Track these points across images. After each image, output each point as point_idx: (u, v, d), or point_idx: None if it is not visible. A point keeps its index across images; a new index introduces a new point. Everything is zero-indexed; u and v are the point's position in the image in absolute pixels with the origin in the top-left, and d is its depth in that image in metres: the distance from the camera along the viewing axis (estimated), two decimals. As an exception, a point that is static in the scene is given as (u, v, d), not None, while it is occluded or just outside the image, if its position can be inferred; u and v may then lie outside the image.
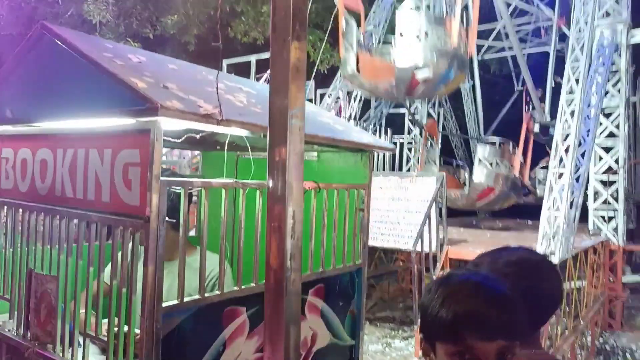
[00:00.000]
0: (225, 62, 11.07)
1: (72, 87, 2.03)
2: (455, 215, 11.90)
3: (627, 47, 8.88)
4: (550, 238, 5.57)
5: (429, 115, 11.96)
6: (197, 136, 2.01)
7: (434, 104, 12.14)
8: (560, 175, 5.96)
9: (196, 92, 1.98)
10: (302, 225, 1.51)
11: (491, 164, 8.29)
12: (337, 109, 15.06)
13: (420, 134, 11.74)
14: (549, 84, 9.38)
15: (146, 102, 1.64)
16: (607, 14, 9.07)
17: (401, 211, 6.73)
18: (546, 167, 10.33)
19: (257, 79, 11.24)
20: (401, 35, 6.35)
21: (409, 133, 12.05)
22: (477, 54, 13.70)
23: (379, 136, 12.26)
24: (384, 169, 10.71)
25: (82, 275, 2.08)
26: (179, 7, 19.82)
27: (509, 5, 11.98)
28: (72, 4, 19.35)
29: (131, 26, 19.15)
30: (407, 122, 12.02)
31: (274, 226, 1.45)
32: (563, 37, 10.51)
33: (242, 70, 11.32)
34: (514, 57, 12.69)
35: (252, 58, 10.06)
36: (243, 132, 2.00)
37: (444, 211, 6.66)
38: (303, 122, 1.44)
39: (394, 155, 12.76)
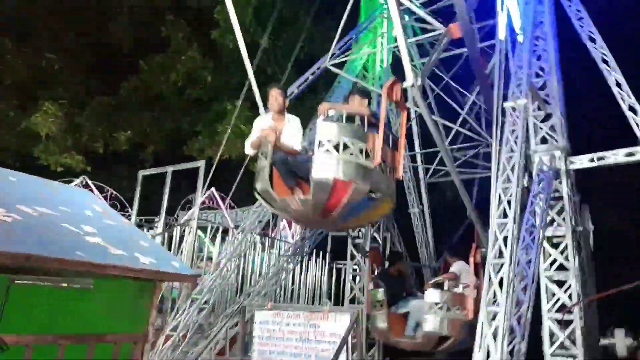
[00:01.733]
0: (140, 173, 10.29)
1: None
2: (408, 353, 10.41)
3: (567, 174, 8.51)
4: (485, 400, 4.35)
5: (373, 240, 11.09)
6: None
7: (378, 228, 11.36)
8: (494, 316, 4.93)
9: None
10: None
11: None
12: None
13: (365, 260, 10.75)
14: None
15: None
16: (544, 140, 8.89)
17: (310, 357, 5.45)
18: None
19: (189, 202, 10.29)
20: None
21: (352, 259, 11.03)
22: (426, 175, 13.44)
23: (316, 260, 11.24)
24: (311, 301, 9.48)
25: None
26: (134, 124, 19.81)
27: (449, 129, 11.98)
28: (24, 118, 19.14)
29: (81, 140, 18.75)
30: (349, 247, 11.08)
31: None
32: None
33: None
34: (468, 180, 12.38)
35: (169, 169, 9.33)
36: None
37: (358, 352, 5.39)
38: None
39: (334, 284, 11.65)
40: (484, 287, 5.32)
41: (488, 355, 4.72)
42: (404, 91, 6.12)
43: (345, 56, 10.78)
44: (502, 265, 5.38)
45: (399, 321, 8.30)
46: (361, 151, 5.53)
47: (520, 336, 5.06)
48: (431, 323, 7.39)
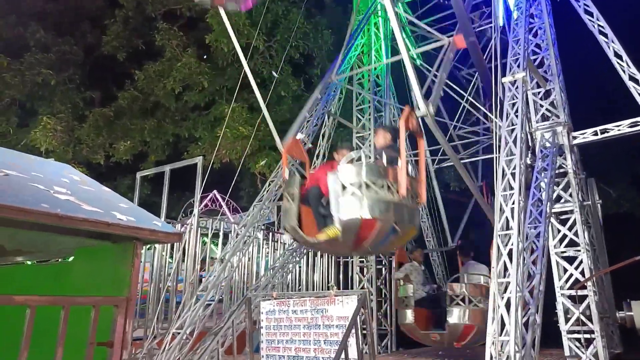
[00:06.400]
0: (138, 175, 10.20)
1: None
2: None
3: (571, 149, 8.35)
4: (500, 373, 4.19)
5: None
6: None
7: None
8: (506, 287, 4.77)
9: None
10: None
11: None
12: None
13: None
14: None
15: None
16: (545, 118, 8.75)
17: (319, 342, 5.30)
18: None
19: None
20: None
21: (358, 251, 10.85)
22: (432, 164, 13.28)
23: (322, 255, 11.07)
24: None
25: None
26: (134, 134, 19.75)
27: (454, 111, 11.85)
28: (25, 134, 19.19)
29: (81, 153, 18.70)
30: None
31: None
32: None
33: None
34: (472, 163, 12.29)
35: (166, 168, 9.22)
36: None
37: (369, 340, 5.25)
38: None
39: (341, 275, 11.44)
40: (493, 258, 5.18)
41: (502, 327, 4.56)
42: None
43: (349, 69, 10.64)
44: (510, 236, 5.22)
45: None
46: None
47: (534, 308, 4.90)
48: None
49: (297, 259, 9.18)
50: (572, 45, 10.68)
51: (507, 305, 4.65)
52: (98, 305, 1.72)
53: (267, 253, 10.00)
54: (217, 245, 11.99)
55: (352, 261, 10.97)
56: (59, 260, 2.28)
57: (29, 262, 2.32)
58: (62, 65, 19.90)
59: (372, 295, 9.75)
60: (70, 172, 2.41)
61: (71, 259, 2.18)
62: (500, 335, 4.48)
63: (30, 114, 19.74)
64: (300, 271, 10.78)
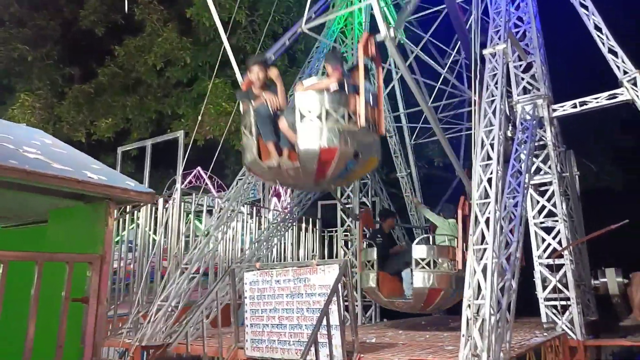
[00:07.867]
0: (119, 150, 10.10)
1: None
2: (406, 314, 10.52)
3: (550, 122, 8.47)
4: (476, 336, 4.32)
5: (363, 204, 11.03)
6: None
7: (367, 192, 11.29)
8: (483, 254, 4.89)
9: None
10: None
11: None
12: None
13: (355, 225, 10.69)
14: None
15: None
16: (526, 91, 8.82)
17: (302, 310, 5.40)
18: None
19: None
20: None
21: (342, 225, 10.97)
22: (411, 138, 13.34)
23: (306, 229, 11.17)
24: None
25: None
26: (116, 110, 19.40)
27: (433, 89, 11.88)
28: (1, 113, 18.74)
29: (61, 130, 18.36)
30: (339, 213, 11.01)
31: None
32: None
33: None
34: (455, 140, 12.42)
35: (148, 142, 9.14)
36: None
37: (351, 307, 5.36)
38: None
39: (326, 249, 11.59)
40: (471, 225, 5.29)
41: (479, 293, 4.69)
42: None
43: (322, 18, 10.41)
44: (488, 205, 5.33)
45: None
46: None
47: (510, 274, 5.05)
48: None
49: (282, 232, 9.25)
50: (554, 19, 10.71)
51: (484, 271, 4.78)
52: (72, 262, 1.74)
53: (252, 230, 10.04)
54: (201, 222, 11.99)
55: (337, 235, 11.09)
56: (34, 224, 2.28)
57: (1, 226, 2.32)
58: (39, 40, 19.31)
59: (355, 267, 9.88)
60: (42, 136, 2.38)
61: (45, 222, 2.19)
62: (477, 300, 4.62)
63: (8, 91, 19.24)
64: (285, 246, 10.86)
